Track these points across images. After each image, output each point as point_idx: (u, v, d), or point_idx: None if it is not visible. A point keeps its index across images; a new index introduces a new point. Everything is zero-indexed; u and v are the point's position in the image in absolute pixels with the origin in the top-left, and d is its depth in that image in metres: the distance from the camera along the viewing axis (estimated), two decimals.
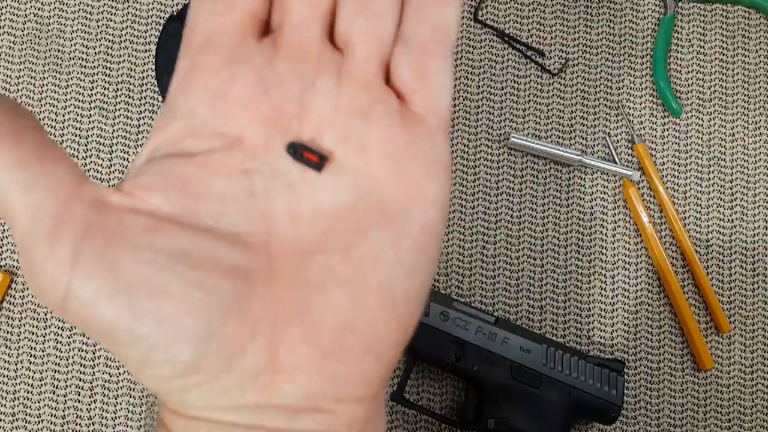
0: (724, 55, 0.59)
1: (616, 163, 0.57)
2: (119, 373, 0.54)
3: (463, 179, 0.56)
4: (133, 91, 0.56)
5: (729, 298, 0.56)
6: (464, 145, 0.57)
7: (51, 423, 0.53)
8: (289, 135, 0.23)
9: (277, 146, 0.23)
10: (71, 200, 0.21)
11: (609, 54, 0.59)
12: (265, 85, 0.23)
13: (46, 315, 0.54)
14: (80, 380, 0.54)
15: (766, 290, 0.57)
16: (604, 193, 0.57)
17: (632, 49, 0.59)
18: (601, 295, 0.56)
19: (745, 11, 0.60)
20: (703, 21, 0.60)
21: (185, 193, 0.22)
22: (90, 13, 0.57)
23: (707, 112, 0.58)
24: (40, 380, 0.54)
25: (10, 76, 0.56)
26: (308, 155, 0.23)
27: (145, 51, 0.57)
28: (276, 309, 0.22)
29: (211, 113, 0.23)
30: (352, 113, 0.23)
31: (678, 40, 0.59)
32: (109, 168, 0.56)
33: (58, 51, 0.56)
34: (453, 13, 0.24)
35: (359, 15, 0.23)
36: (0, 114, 0.21)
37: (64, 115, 0.56)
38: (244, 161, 0.23)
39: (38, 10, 0.57)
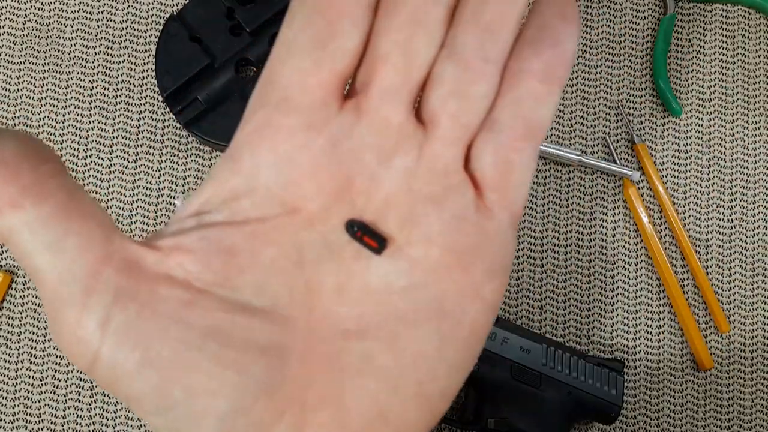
0: (724, 55, 0.59)
1: (616, 163, 0.57)
2: None
3: None
4: (133, 91, 0.56)
5: (729, 298, 0.56)
6: None
7: (51, 423, 0.53)
8: (353, 210, 0.22)
9: (337, 219, 0.22)
10: (102, 264, 0.20)
11: (609, 54, 0.59)
12: (339, 155, 0.21)
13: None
14: (80, 380, 0.54)
15: (765, 290, 0.57)
16: (604, 193, 0.57)
17: (632, 49, 0.59)
18: (601, 295, 0.56)
19: (745, 11, 0.60)
20: (703, 21, 0.60)
21: (229, 263, 0.21)
22: (90, 13, 0.57)
23: (707, 112, 0.58)
24: (41, 380, 0.54)
25: (10, 76, 0.56)
26: (366, 238, 0.22)
27: (145, 51, 0.57)
28: (308, 390, 0.21)
29: (275, 178, 0.21)
30: (423, 197, 0.22)
31: (678, 40, 0.59)
32: (109, 168, 0.56)
33: (58, 51, 0.56)
34: (549, 109, 0.22)
35: (452, 95, 0.21)
36: (21, 161, 0.19)
37: (64, 116, 0.56)
38: (299, 231, 0.22)
39: (38, 10, 0.57)
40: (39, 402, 0.53)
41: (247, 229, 0.21)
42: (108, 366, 0.20)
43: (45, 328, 0.54)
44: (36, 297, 0.54)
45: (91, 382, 0.54)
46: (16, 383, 0.54)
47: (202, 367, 0.20)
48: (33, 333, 0.54)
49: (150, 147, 0.56)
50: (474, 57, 0.21)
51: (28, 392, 0.53)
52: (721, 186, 0.58)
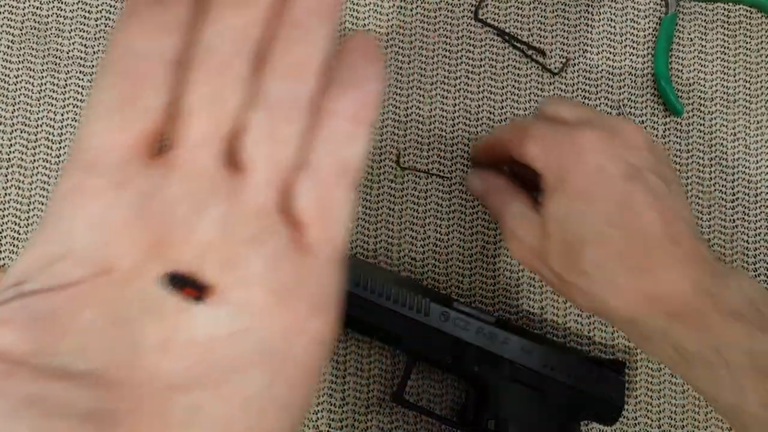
0: (725, 54, 0.59)
1: None
2: None
3: (463, 179, 0.56)
4: None
5: None
6: (465, 145, 0.57)
7: None
8: (170, 262, 0.22)
9: (155, 273, 0.22)
10: None
11: (610, 53, 0.58)
12: (152, 210, 0.22)
13: None
14: None
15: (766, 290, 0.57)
16: None
17: (633, 48, 0.59)
18: None
19: (747, 10, 0.60)
20: (705, 20, 0.59)
21: (48, 329, 0.21)
22: (89, 12, 0.57)
23: (708, 112, 0.58)
24: None
25: (8, 75, 0.56)
26: (185, 289, 0.22)
27: None
28: None
29: (89, 239, 0.22)
30: (240, 242, 0.22)
31: (679, 39, 0.59)
32: None
33: (57, 50, 0.56)
34: (360, 147, 0.23)
35: (262, 141, 0.22)
36: None
37: (63, 115, 0.56)
38: (117, 290, 0.22)
39: (37, 9, 0.57)
40: None
41: (65, 293, 0.21)
42: None
43: None
44: None
45: None
46: None
47: None
48: None
49: None
50: (281, 101, 0.22)
51: None
52: (722, 186, 0.57)
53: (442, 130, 0.57)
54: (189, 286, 0.22)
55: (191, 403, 0.22)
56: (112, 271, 0.22)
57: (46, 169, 0.55)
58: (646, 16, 0.59)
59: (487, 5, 0.58)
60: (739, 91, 0.59)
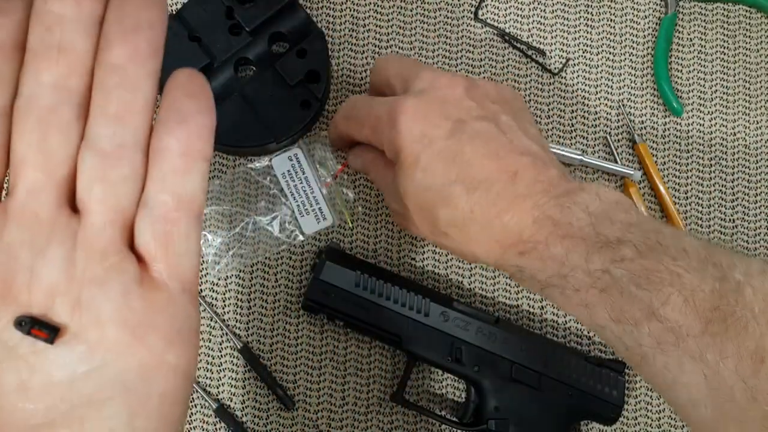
0: (725, 54, 0.59)
1: (617, 162, 0.57)
2: None
3: None
4: None
5: None
6: None
7: None
8: (20, 306, 0.22)
9: (5, 319, 0.22)
10: None
11: (610, 53, 0.58)
12: None
13: None
14: None
15: None
16: None
17: (633, 48, 0.59)
18: None
19: (747, 10, 0.60)
20: (704, 20, 0.59)
21: None
22: None
23: (708, 112, 0.58)
24: None
25: None
26: (36, 331, 0.22)
27: None
28: None
29: None
30: (86, 282, 0.23)
31: (679, 39, 0.59)
32: None
33: None
34: (195, 181, 0.24)
35: (95, 183, 0.23)
36: None
37: None
38: None
39: None
40: None
41: None
42: None
43: None
44: None
45: None
46: None
47: None
48: None
49: None
50: (109, 145, 0.23)
51: None
52: (722, 186, 0.57)
53: None
54: (38, 328, 0.22)
55: None
56: None
57: None
58: (646, 16, 0.59)
59: (487, 5, 0.58)
60: (739, 91, 0.59)
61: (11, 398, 0.22)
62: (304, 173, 0.52)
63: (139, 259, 0.24)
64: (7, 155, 0.23)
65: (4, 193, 0.25)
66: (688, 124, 0.58)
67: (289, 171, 0.53)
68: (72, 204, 0.24)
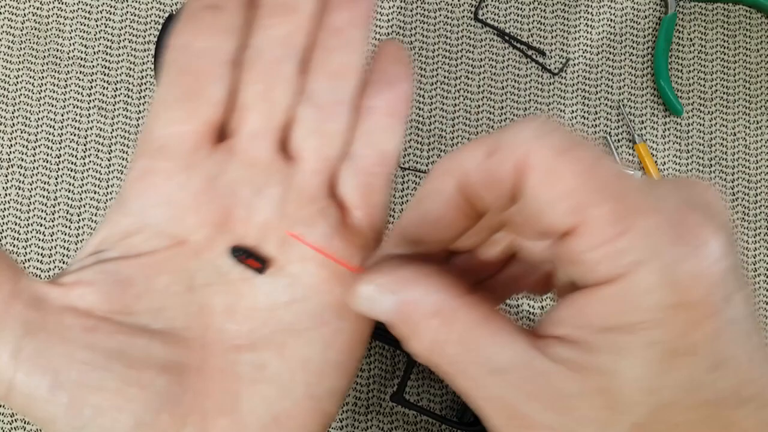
0: (725, 54, 0.59)
1: (616, 162, 0.57)
2: None
3: None
4: (132, 90, 0.56)
5: None
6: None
7: None
8: (234, 237, 0.24)
9: (221, 246, 0.24)
10: (10, 300, 0.22)
11: (610, 53, 0.58)
12: (216, 190, 0.24)
13: None
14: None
15: (767, 290, 0.57)
16: None
17: (633, 48, 0.59)
18: None
19: (747, 11, 0.60)
20: (705, 20, 0.59)
21: (126, 292, 0.23)
22: (89, 12, 0.57)
23: (708, 112, 0.58)
24: None
25: (8, 76, 0.56)
26: (249, 260, 0.24)
27: (145, 50, 0.57)
28: (207, 400, 0.23)
29: (161, 216, 0.24)
30: (295, 222, 0.25)
31: (679, 39, 0.59)
32: (108, 168, 0.55)
33: (57, 50, 0.56)
34: (396, 139, 0.26)
35: (312, 134, 0.25)
36: None
37: (63, 115, 0.56)
38: (187, 260, 0.24)
39: (37, 9, 0.57)
40: None
41: (140, 261, 0.24)
42: (22, 392, 0.22)
43: None
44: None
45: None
46: None
47: (108, 386, 0.22)
48: None
49: None
50: (327, 100, 0.25)
51: None
52: (722, 186, 0.57)
53: (442, 131, 0.57)
54: (252, 258, 0.24)
55: (257, 361, 0.24)
56: (183, 243, 0.24)
57: (46, 169, 0.55)
58: (645, 16, 0.59)
59: (487, 5, 0.58)
60: (739, 91, 0.59)
61: (219, 319, 0.24)
62: None
63: (339, 205, 0.26)
64: (230, 100, 0.25)
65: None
66: (688, 124, 0.58)
67: None
68: (284, 150, 0.25)
